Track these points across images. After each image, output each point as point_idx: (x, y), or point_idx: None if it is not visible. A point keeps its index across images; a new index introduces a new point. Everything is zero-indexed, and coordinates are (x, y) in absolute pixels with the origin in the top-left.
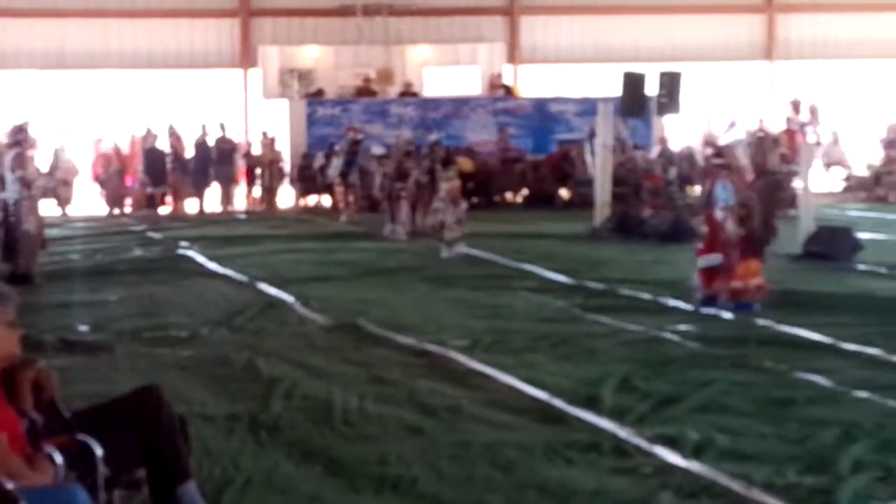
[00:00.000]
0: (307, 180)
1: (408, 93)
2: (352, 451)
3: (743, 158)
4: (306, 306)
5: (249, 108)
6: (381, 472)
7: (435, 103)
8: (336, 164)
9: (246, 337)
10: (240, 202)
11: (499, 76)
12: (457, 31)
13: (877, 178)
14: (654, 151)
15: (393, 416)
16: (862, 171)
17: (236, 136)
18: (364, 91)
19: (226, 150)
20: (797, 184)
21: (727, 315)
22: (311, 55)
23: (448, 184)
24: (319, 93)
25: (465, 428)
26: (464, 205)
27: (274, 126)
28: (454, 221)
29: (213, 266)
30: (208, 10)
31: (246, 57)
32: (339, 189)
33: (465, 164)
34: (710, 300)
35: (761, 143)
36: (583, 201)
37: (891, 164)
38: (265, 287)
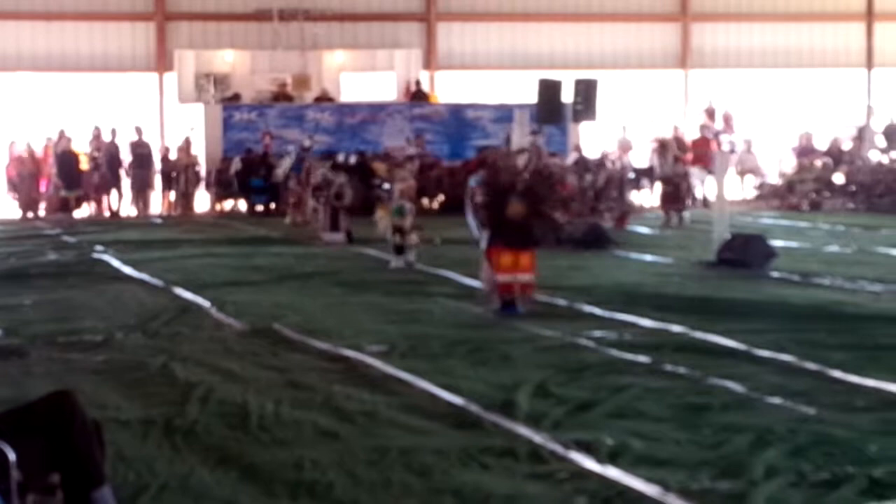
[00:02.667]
0: (223, 185)
1: (324, 98)
2: (268, 456)
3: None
4: (222, 311)
5: (165, 112)
6: (297, 477)
7: (351, 109)
8: (286, 165)
9: (161, 341)
10: (156, 206)
11: (417, 82)
12: (373, 37)
13: (789, 186)
14: (570, 158)
15: (309, 421)
16: (775, 179)
17: (152, 141)
18: (280, 96)
19: (142, 153)
20: (696, 186)
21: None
22: (227, 60)
23: (403, 184)
24: (236, 97)
25: (382, 433)
26: (413, 208)
27: (190, 129)
28: (410, 226)
29: (128, 270)
30: (124, 14)
31: (162, 61)
32: (287, 191)
33: (381, 169)
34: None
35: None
36: None
37: (803, 173)
38: (181, 291)
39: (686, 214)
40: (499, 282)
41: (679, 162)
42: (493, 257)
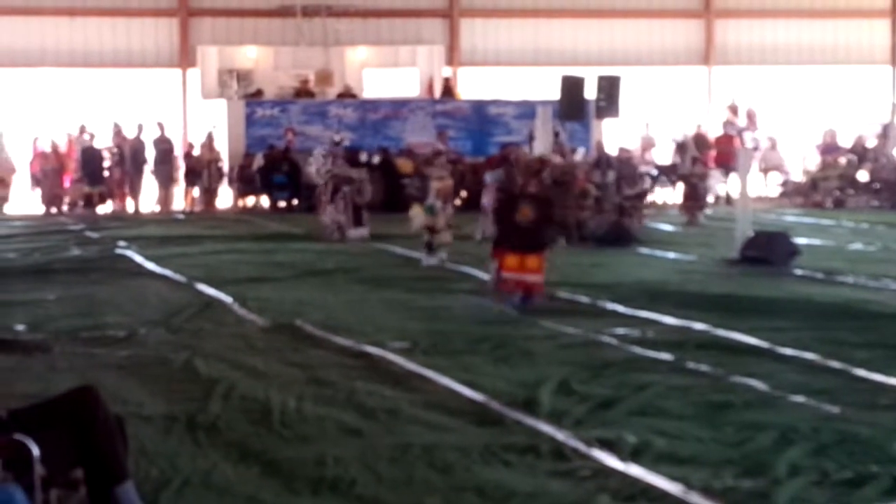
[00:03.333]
0: (246, 181)
1: (347, 94)
2: (290, 452)
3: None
4: (244, 307)
5: (188, 109)
6: (319, 473)
7: (374, 105)
8: (320, 162)
9: (184, 337)
10: (178, 202)
11: (447, 79)
12: (396, 33)
13: (813, 183)
14: (591, 155)
15: (331, 417)
16: (799, 177)
17: (175, 136)
18: (303, 92)
19: (165, 149)
20: (713, 186)
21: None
22: (250, 56)
23: (440, 183)
24: (258, 93)
25: (404, 430)
26: (450, 207)
27: (213, 126)
28: (445, 225)
29: (151, 266)
30: (147, 10)
31: (185, 57)
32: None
33: (405, 165)
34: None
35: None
36: None
37: (827, 170)
38: (203, 287)
39: (702, 214)
40: (502, 279)
41: (697, 162)
42: (498, 257)
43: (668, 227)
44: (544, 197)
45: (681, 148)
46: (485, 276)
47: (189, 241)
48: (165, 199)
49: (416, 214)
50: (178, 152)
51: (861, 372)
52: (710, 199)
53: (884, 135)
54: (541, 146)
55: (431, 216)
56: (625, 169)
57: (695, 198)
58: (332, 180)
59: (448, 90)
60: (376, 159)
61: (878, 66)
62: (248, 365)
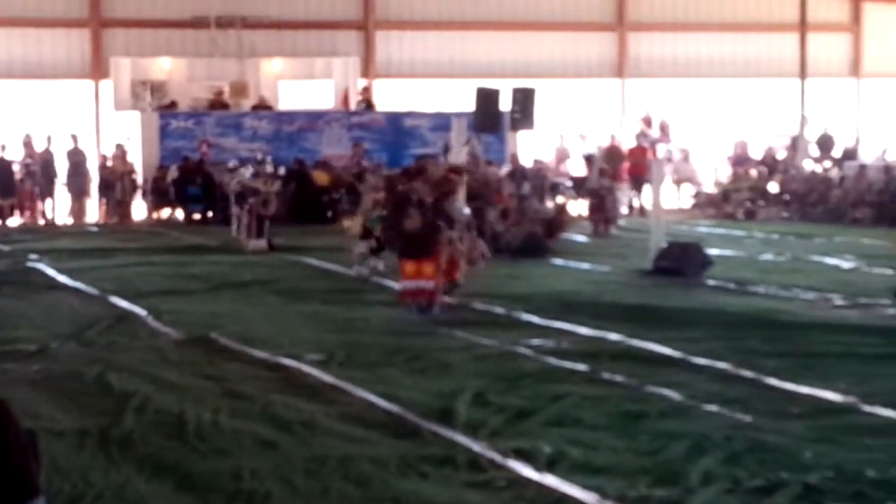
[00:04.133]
0: (160, 193)
1: (262, 106)
2: (205, 466)
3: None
4: (158, 320)
5: (102, 120)
6: (235, 487)
7: (289, 117)
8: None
9: (97, 351)
10: (92, 215)
11: (366, 90)
12: (311, 45)
13: (725, 195)
14: (505, 168)
15: (247, 430)
16: (711, 188)
17: (88, 148)
18: (217, 104)
19: (78, 161)
20: (621, 199)
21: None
22: (163, 67)
23: (377, 194)
24: (172, 105)
25: (320, 442)
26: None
27: (127, 137)
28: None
29: (63, 279)
30: (59, 20)
31: (97, 68)
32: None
33: (321, 178)
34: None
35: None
36: None
37: (738, 182)
38: (117, 300)
39: (612, 226)
40: (401, 289)
41: (605, 175)
42: (400, 266)
43: (581, 239)
44: (431, 202)
45: (588, 161)
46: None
47: (102, 253)
48: (79, 212)
49: (350, 226)
50: (93, 164)
51: (772, 381)
52: (622, 210)
53: (793, 147)
54: (456, 158)
55: (377, 226)
56: (537, 181)
57: (602, 210)
58: (241, 191)
59: (367, 101)
60: (282, 170)
61: (788, 79)
62: (163, 378)
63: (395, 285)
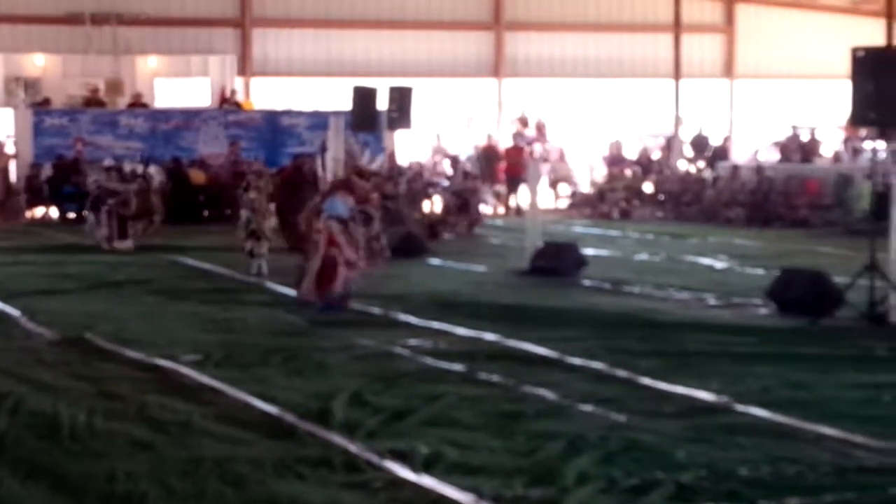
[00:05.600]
0: (34, 191)
1: (138, 104)
2: (79, 467)
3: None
4: (32, 320)
5: None
6: (110, 488)
7: (165, 115)
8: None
9: None
10: None
11: (234, 92)
12: (188, 43)
13: (600, 194)
14: (379, 164)
15: (122, 431)
16: (587, 188)
17: None
18: (92, 101)
19: None
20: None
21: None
22: (37, 63)
23: (256, 194)
24: (46, 102)
25: (196, 443)
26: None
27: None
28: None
29: None
30: None
31: None
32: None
33: (198, 176)
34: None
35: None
36: None
37: (613, 182)
38: None
39: (476, 227)
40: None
41: (469, 177)
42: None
43: (449, 238)
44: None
45: (454, 162)
46: (279, 288)
47: None
48: None
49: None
50: None
51: (646, 380)
52: (486, 211)
53: (668, 147)
54: (333, 157)
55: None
56: (414, 181)
57: (466, 211)
58: (98, 192)
59: (226, 99)
60: (140, 170)
61: (662, 80)
62: (37, 379)
63: (277, 287)
